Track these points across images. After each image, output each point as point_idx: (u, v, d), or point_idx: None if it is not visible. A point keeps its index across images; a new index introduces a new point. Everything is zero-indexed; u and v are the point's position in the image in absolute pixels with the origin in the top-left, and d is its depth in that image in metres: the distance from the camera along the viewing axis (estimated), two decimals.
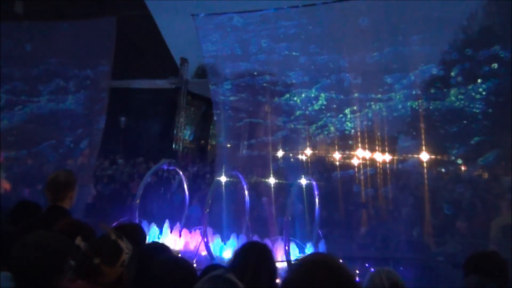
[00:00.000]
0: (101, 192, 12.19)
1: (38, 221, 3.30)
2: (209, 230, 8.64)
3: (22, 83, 12.66)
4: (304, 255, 1.74)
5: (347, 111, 11.72)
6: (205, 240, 8.41)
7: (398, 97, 11.14)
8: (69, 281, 2.25)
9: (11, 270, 2.32)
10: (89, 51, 11.81)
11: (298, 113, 12.36)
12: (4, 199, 9.89)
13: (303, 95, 12.16)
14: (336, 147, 12.12)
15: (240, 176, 9.75)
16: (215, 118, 13.22)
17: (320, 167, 12.44)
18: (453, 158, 10.81)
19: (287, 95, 12.38)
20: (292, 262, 1.74)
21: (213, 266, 2.74)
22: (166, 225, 9.15)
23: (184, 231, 9.18)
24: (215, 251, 8.64)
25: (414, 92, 10.89)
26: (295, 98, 12.30)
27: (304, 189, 9.30)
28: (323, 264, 1.52)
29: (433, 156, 10.82)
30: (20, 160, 12.64)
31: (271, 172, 11.55)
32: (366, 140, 11.37)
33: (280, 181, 11.25)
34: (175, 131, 16.51)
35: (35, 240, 2.35)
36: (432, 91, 10.81)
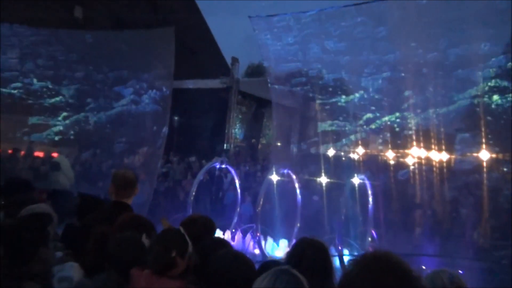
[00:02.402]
0: (156, 189, 12.59)
1: (102, 216, 3.45)
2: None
3: (99, 86, 13.53)
4: (363, 253, 1.71)
5: (403, 108, 11.37)
6: (257, 238, 8.48)
7: (456, 93, 10.69)
8: (137, 271, 2.37)
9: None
10: (152, 57, 12.51)
11: (353, 111, 12.14)
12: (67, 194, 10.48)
13: (357, 94, 11.94)
14: (390, 146, 11.80)
15: (292, 175, 9.73)
16: (272, 118, 13.34)
17: (373, 166, 12.16)
18: None
19: (342, 94, 12.20)
20: (351, 259, 1.72)
21: (269, 262, 2.76)
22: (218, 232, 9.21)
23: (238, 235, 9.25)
24: (267, 250, 8.69)
25: (474, 88, 10.40)
26: (350, 97, 12.10)
27: (356, 188, 9.15)
28: (385, 260, 1.49)
29: (494, 155, 10.29)
30: (83, 158, 13.40)
31: (323, 171, 11.44)
32: (422, 138, 10.99)
33: (333, 180, 11.12)
34: (226, 130, 16.72)
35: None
36: (494, 85, 10.29)
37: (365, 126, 12.08)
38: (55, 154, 12.32)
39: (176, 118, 17.79)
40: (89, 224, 3.24)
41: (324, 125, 12.43)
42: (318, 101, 12.48)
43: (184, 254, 2.36)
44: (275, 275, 1.82)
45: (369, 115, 11.93)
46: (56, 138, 13.59)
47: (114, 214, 3.19)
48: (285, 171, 9.87)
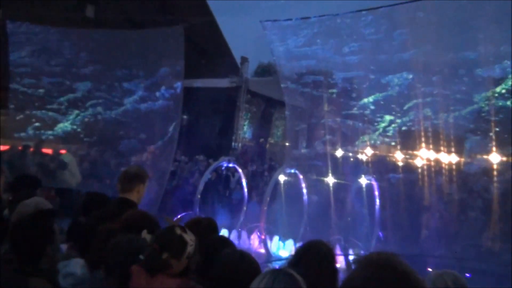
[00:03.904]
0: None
1: (107, 213, 3.47)
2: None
3: (109, 83, 13.65)
4: (366, 254, 1.70)
5: (416, 109, 11.26)
6: (263, 237, 8.49)
7: (470, 95, 10.57)
8: (138, 268, 2.38)
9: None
10: (162, 56, 12.62)
11: (365, 112, 12.05)
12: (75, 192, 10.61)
13: (370, 95, 11.84)
14: (399, 147, 11.71)
15: (299, 175, 9.73)
16: (286, 117, 13.40)
17: (381, 167, 12.09)
18: None
19: (353, 95, 12.13)
20: (354, 260, 1.70)
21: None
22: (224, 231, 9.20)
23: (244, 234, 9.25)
24: (272, 249, 8.69)
25: (488, 90, 10.28)
26: (363, 98, 12.01)
27: (364, 189, 9.12)
28: (387, 261, 1.47)
29: (504, 158, 10.17)
30: (91, 155, 13.48)
31: (330, 171, 11.40)
32: (431, 140, 10.89)
33: (340, 181, 11.08)
34: (234, 129, 16.71)
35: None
36: (507, 88, 10.16)
37: (378, 128, 12.01)
38: (63, 151, 12.40)
39: (184, 116, 17.82)
40: (95, 221, 3.27)
41: (334, 126, 12.38)
42: (328, 102, 12.44)
43: (179, 255, 2.35)
44: (273, 275, 1.82)
45: (385, 116, 11.85)
46: (65, 135, 13.70)
47: (120, 211, 3.21)
48: (292, 170, 9.88)
